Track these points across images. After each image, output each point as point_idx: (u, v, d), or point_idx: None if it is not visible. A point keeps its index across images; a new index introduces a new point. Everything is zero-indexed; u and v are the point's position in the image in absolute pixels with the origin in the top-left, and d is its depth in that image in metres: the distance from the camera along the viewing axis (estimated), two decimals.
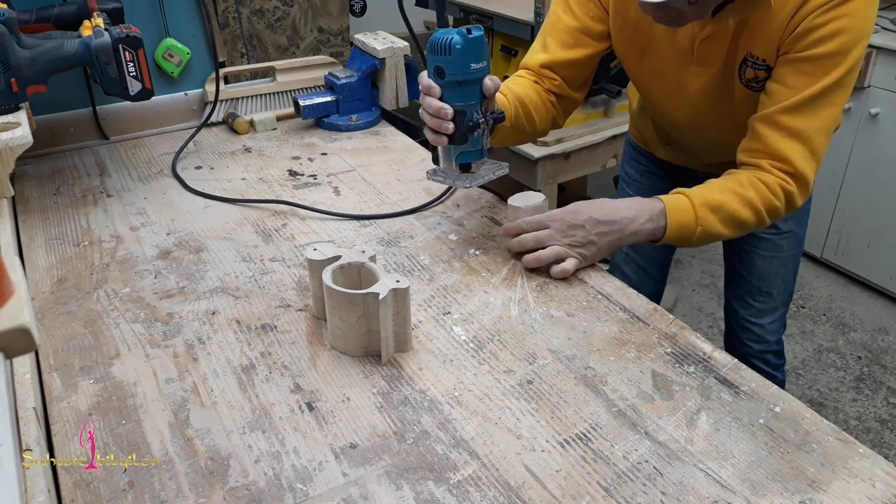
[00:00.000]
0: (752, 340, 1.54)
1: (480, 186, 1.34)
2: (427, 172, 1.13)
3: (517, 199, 1.14)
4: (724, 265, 1.58)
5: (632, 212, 1.07)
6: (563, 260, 1.06)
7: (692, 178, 1.29)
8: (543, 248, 1.07)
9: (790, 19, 1.02)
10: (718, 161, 1.30)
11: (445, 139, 1.05)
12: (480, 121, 1.05)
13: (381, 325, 0.87)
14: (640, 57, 1.23)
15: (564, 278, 1.06)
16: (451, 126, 1.04)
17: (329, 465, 0.76)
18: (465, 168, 1.10)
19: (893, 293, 2.70)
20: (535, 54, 1.26)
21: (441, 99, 1.03)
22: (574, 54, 1.22)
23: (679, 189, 1.11)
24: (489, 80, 1.04)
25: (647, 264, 1.61)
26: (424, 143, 1.15)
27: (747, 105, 1.14)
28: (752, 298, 1.51)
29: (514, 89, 1.20)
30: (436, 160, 1.13)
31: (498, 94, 1.11)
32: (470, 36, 1.00)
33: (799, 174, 1.08)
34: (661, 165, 1.54)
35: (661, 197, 1.09)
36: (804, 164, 1.08)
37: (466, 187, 1.12)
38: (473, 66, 1.01)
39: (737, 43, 1.10)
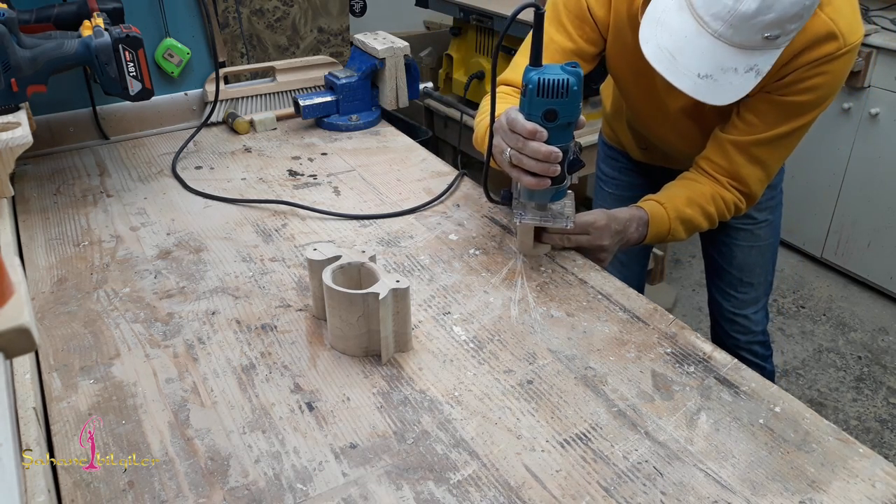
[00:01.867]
0: (739, 332, 1.56)
1: (483, 186, 1.34)
2: (516, 214, 1.07)
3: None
4: (703, 259, 1.60)
5: (633, 221, 1.16)
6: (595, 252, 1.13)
7: (668, 175, 1.33)
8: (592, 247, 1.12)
9: (781, 67, 1.07)
10: (692, 163, 1.33)
11: (549, 182, 1.00)
12: (581, 159, 1.02)
13: (381, 325, 0.87)
14: (634, 78, 1.26)
15: (564, 278, 1.07)
16: (558, 169, 0.99)
17: (329, 465, 0.76)
18: (544, 206, 1.07)
19: (893, 293, 2.70)
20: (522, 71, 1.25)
21: (547, 142, 0.98)
22: None
23: (654, 197, 1.19)
24: (583, 117, 1.02)
25: (630, 261, 1.64)
26: (506, 197, 1.10)
27: (716, 115, 1.21)
28: (734, 290, 1.54)
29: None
30: (506, 199, 1.09)
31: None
32: (579, 72, 0.95)
33: (751, 194, 1.22)
34: (637, 163, 1.55)
35: (643, 206, 1.18)
36: (758, 186, 1.21)
37: (569, 228, 1.06)
38: (581, 105, 0.98)
39: None
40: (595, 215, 1.13)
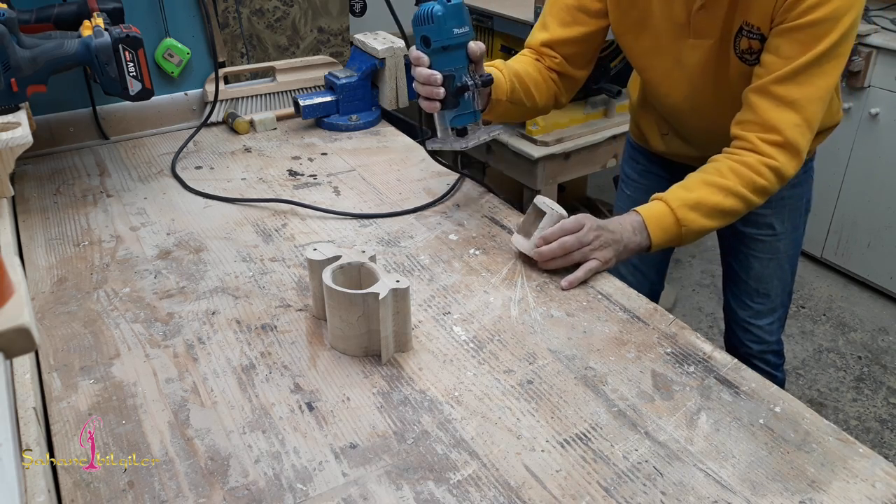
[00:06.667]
0: (752, 341, 1.54)
1: (483, 186, 1.34)
2: (426, 143, 1.18)
3: (543, 204, 1.09)
4: (722, 266, 1.58)
5: (626, 227, 1.09)
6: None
7: (688, 173, 1.29)
8: (581, 250, 1.06)
9: None
10: (716, 151, 1.30)
11: (438, 104, 1.10)
12: (469, 83, 1.10)
13: (381, 325, 0.87)
14: (637, 33, 1.24)
15: (564, 276, 1.07)
16: (441, 91, 1.08)
17: (329, 465, 0.76)
18: (462, 133, 1.15)
19: (893, 293, 2.70)
20: (536, 33, 1.30)
21: (430, 67, 1.08)
22: (572, 32, 1.26)
23: (656, 195, 1.12)
24: (474, 44, 1.10)
25: (644, 265, 1.61)
26: (430, 128, 1.21)
27: (742, 82, 1.14)
28: (750, 300, 1.51)
29: (511, 65, 1.24)
30: (433, 130, 1.18)
31: (494, 70, 1.17)
32: (450, 3, 1.06)
33: (789, 143, 1.08)
34: (659, 163, 1.53)
35: (637, 209, 1.11)
36: (795, 132, 1.07)
37: (463, 148, 1.15)
38: (456, 31, 1.08)
39: (733, 13, 1.12)
40: (574, 217, 1.09)
